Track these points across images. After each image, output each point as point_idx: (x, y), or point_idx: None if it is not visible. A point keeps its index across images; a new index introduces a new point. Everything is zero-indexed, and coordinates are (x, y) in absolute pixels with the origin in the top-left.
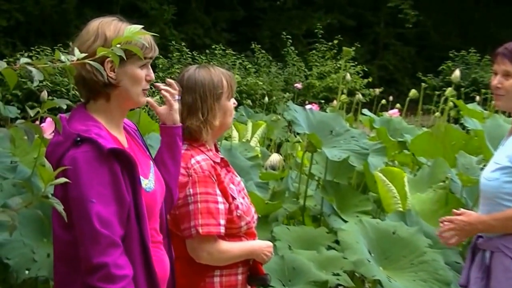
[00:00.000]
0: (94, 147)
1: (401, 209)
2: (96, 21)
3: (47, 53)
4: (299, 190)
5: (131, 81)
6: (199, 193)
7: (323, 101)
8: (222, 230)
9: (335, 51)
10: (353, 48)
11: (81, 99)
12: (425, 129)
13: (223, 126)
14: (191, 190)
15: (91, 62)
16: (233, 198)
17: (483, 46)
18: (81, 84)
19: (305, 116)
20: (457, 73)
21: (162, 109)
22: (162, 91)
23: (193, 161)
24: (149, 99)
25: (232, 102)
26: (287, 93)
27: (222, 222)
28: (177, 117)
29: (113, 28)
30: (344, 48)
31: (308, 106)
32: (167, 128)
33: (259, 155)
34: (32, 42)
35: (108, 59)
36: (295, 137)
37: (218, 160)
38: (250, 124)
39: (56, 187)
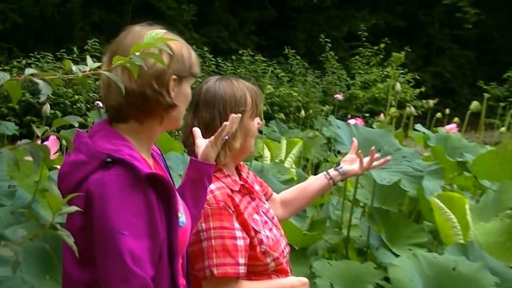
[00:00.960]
0: (129, 171)
1: (462, 241)
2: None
3: (49, 60)
4: (342, 218)
5: (185, 101)
6: (213, 228)
7: (368, 115)
8: (242, 270)
9: (382, 56)
10: (403, 52)
11: (109, 117)
12: (488, 147)
13: (244, 149)
14: (203, 224)
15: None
16: (256, 232)
17: None
18: (135, 104)
19: (348, 132)
20: None
21: (203, 141)
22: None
23: None
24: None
25: (257, 122)
26: (326, 106)
27: (242, 260)
28: (213, 155)
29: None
30: (393, 53)
31: (351, 121)
32: (198, 163)
33: (295, 178)
34: (31, 48)
35: (173, 76)
36: (336, 157)
37: (237, 188)
38: (283, 142)
39: (73, 215)
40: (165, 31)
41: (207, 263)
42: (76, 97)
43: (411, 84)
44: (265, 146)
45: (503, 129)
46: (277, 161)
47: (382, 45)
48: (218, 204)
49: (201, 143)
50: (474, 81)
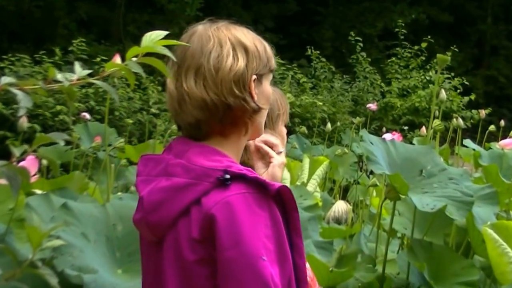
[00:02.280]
0: (253, 187)
1: None
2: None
3: (25, 64)
4: (377, 252)
5: (267, 102)
6: None
7: (406, 128)
8: None
9: (424, 58)
10: (449, 53)
11: (185, 135)
12: None
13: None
14: None
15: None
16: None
17: None
18: (217, 116)
19: (384, 149)
20: None
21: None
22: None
23: None
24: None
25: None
26: (357, 117)
27: None
28: (278, 174)
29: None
30: (438, 54)
31: (387, 135)
32: None
33: (319, 203)
34: (5, 49)
35: (253, 77)
36: (369, 178)
37: None
38: (306, 161)
39: (185, 247)
40: (233, 25)
41: None
42: (58, 107)
43: (459, 91)
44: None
45: None
46: (298, 183)
47: (424, 45)
48: None
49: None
50: None
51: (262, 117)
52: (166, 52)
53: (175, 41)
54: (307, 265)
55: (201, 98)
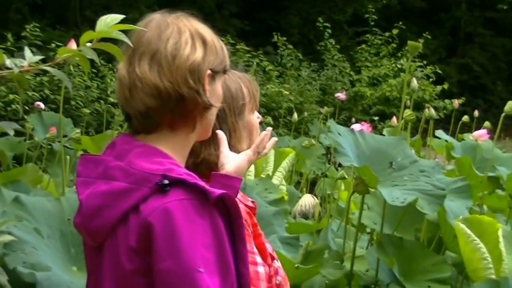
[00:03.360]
0: (193, 193)
1: (493, 276)
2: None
3: None
4: (344, 248)
5: (218, 103)
6: None
7: (377, 118)
8: None
9: (395, 45)
10: (422, 40)
11: (133, 126)
12: None
13: None
14: None
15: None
16: (273, 258)
17: None
18: (169, 106)
19: (352, 140)
20: None
21: (228, 150)
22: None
23: None
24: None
25: (257, 116)
26: (325, 107)
27: None
28: (246, 170)
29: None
30: (409, 41)
31: (355, 126)
32: (229, 178)
33: (285, 197)
34: None
35: (208, 71)
36: (337, 170)
37: (251, 204)
38: (271, 153)
39: (122, 256)
40: (192, 17)
41: None
42: (11, 96)
43: (432, 79)
44: None
45: None
46: (263, 176)
47: (395, 31)
48: None
49: (228, 153)
50: (510, 75)
51: (212, 116)
52: (122, 37)
53: (131, 25)
54: (279, 263)
55: (154, 85)
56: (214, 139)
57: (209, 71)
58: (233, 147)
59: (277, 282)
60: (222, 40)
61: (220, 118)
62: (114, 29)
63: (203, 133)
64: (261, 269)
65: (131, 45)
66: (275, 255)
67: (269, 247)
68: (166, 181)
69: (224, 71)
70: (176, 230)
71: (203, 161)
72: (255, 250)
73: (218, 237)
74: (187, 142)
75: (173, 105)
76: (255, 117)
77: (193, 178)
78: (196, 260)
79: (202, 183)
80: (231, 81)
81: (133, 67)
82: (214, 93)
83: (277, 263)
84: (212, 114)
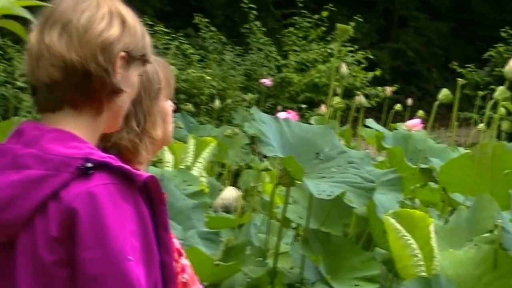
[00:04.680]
0: (119, 177)
1: (424, 273)
2: None
3: None
4: (268, 244)
5: (131, 91)
6: None
7: (304, 106)
8: None
9: (324, 28)
10: (352, 23)
11: (38, 103)
12: (462, 150)
13: (165, 138)
14: None
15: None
16: (180, 255)
17: None
18: (73, 81)
19: (277, 129)
20: None
21: None
22: None
23: None
24: None
25: (170, 104)
26: (249, 94)
27: None
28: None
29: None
30: (339, 25)
31: (282, 114)
32: None
33: (206, 190)
34: None
35: (122, 53)
36: (262, 162)
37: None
38: (191, 142)
39: (41, 246)
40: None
41: None
42: None
43: (363, 65)
44: (166, 147)
45: (481, 125)
46: (182, 167)
47: (325, 14)
48: None
49: None
50: (446, 62)
51: (122, 104)
52: (25, 14)
53: (36, 1)
54: (187, 261)
55: (61, 56)
56: (127, 122)
57: (123, 53)
58: (148, 133)
59: (183, 280)
60: (140, 22)
61: (136, 101)
62: (17, 5)
63: (112, 123)
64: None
65: (35, 21)
66: (183, 252)
67: (176, 242)
68: (90, 164)
69: (144, 61)
70: (103, 216)
71: (113, 145)
72: None
73: (144, 223)
74: (95, 126)
75: (77, 80)
76: (169, 105)
77: (116, 161)
78: (125, 248)
79: (127, 166)
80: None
81: (43, 36)
82: (127, 79)
83: (184, 260)
84: (123, 101)
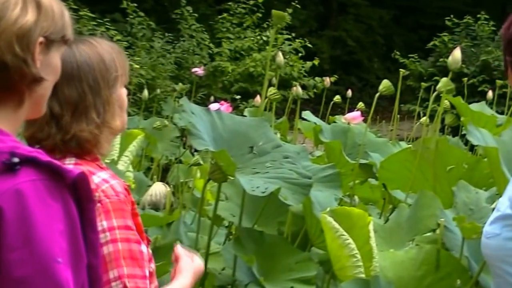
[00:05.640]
0: (47, 173)
1: (363, 275)
2: None
3: None
4: (198, 243)
5: (53, 76)
6: (118, 227)
7: (238, 97)
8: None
9: (260, 15)
10: (290, 10)
11: None
12: (404, 144)
13: (123, 126)
14: (105, 223)
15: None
16: (149, 242)
17: (502, 10)
18: None
19: (208, 121)
20: (457, 53)
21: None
22: None
23: (97, 178)
24: None
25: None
26: (180, 84)
27: (147, 273)
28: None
29: None
30: (274, 11)
31: (214, 105)
32: None
33: (133, 185)
34: None
35: (40, 39)
36: (193, 155)
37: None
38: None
39: None
40: None
41: (116, 272)
42: None
43: (301, 54)
44: None
45: (424, 119)
46: (107, 161)
47: None
48: (118, 196)
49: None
50: (388, 51)
51: (45, 91)
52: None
53: None
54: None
55: None
56: (86, 113)
57: (42, 39)
58: (107, 123)
59: (150, 270)
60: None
61: (94, 90)
62: None
63: (35, 110)
64: (144, 249)
65: None
66: (150, 239)
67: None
68: (16, 159)
69: (65, 41)
70: (31, 215)
71: (73, 137)
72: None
73: (72, 223)
74: (17, 117)
75: None
76: (125, 92)
77: (44, 156)
78: (54, 249)
79: (56, 161)
80: (104, 51)
81: None
82: (48, 64)
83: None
84: (45, 88)
